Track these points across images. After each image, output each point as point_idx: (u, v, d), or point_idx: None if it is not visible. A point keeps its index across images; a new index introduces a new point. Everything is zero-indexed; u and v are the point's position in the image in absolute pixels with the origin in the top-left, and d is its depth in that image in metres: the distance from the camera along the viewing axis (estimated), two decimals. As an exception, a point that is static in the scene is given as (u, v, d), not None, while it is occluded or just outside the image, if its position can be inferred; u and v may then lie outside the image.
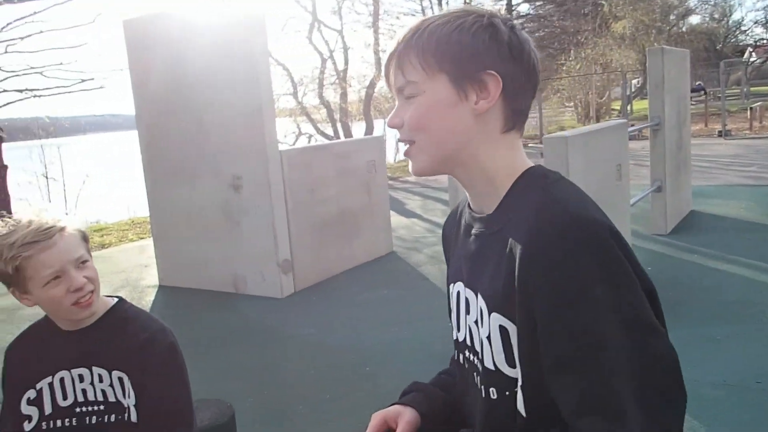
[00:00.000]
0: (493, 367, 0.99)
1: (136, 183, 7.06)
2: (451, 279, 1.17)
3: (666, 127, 6.48)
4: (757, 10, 58.88)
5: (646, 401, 0.80)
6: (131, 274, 6.79)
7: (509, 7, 28.89)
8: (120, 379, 1.47)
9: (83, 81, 12.72)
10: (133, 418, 1.45)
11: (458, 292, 1.12)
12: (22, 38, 12.16)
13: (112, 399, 1.47)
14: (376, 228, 6.73)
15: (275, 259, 5.43)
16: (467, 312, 1.07)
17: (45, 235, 1.35)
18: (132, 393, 1.46)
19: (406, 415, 1.19)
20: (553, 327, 0.86)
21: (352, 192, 6.43)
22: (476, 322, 1.03)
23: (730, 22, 48.43)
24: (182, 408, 1.50)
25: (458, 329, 1.13)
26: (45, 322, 1.55)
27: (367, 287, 5.68)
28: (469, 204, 1.11)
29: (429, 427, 1.19)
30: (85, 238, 1.46)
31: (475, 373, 1.06)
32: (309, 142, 18.61)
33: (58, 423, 1.47)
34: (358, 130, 19.13)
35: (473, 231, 1.07)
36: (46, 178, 14.60)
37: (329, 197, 6.10)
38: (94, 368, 1.46)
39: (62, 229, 1.40)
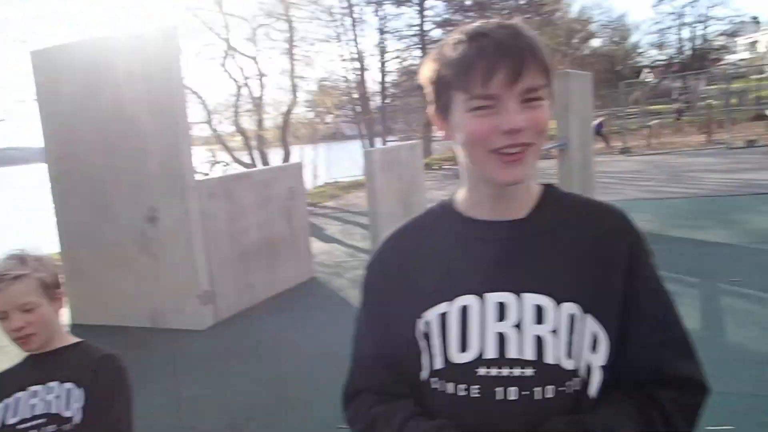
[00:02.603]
0: (554, 362, 0.97)
1: (46, 217, 6.76)
2: (442, 297, 1.04)
3: (572, 147, 6.86)
4: (652, 33, 63.18)
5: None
6: (41, 313, 6.47)
7: (422, 15, 29.62)
8: (68, 391, 1.60)
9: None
10: (67, 428, 1.56)
11: (465, 306, 1.02)
12: None
13: (53, 411, 1.58)
14: (297, 254, 6.74)
15: (195, 290, 5.34)
16: (500, 319, 1.00)
17: None
18: (74, 405, 1.58)
19: None
20: (652, 297, 1.03)
21: (273, 219, 6.42)
22: (519, 324, 0.99)
23: (628, 45, 51.75)
24: (121, 430, 1.62)
25: (465, 349, 1.01)
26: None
27: (290, 314, 5.67)
28: (469, 215, 1.08)
29: None
30: (44, 285, 1.64)
31: (504, 387, 0.98)
32: (225, 170, 18.35)
33: None
34: (275, 157, 19.05)
35: (502, 236, 1.04)
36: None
37: (250, 225, 6.07)
38: (48, 384, 1.62)
39: (16, 277, 1.59)
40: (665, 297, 1.05)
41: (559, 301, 0.99)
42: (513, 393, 0.97)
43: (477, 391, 0.99)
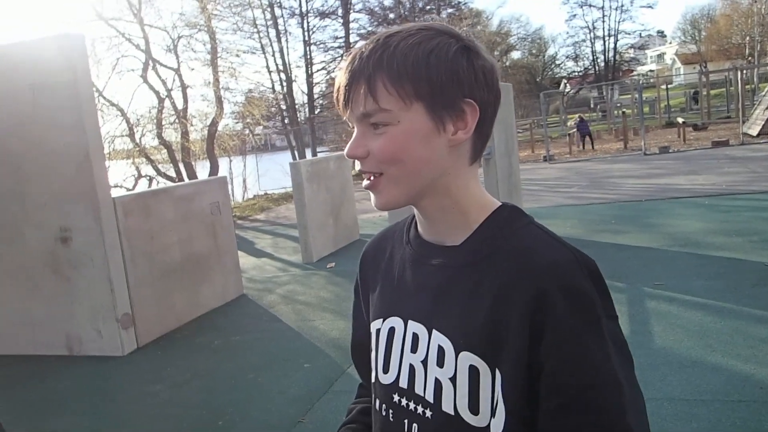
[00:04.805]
0: (452, 412, 0.88)
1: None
2: (381, 313, 1.03)
3: (496, 155, 6.94)
4: (567, 45, 65.93)
5: None
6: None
7: (347, 27, 29.81)
8: None
9: None
10: None
11: (392, 328, 0.99)
12: None
13: None
14: (224, 271, 6.49)
15: (113, 313, 5.03)
16: (413, 350, 0.95)
17: None
18: None
19: None
20: (567, 365, 0.80)
21: (197, 236, 6.16)
22: (425, 361, 0.92)
23: (546, 57, 53.76)
24: None
25: (387, 370, 0.99)
26: None
27: (218, 334, 5.43)
28: (418, 232, 1.00)
29: None
30: None
31: (409, 420, 0.94)
32: (150, 184, 17.72)
33: None
34: (202, 169, 18.56)
35: (433, 262, 0.95)
36: None
37: (171, 243, 5.79)
38: None
39: None
40: (591, 369, 0.80)
41: (457, 348, 0.88)
42: (415, 429, 0.94)
43: (392, 416, 0.98)
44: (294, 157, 23.71)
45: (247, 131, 23.57)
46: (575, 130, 22.02)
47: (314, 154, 24.89)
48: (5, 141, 5.11)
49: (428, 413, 0.92)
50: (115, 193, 6.31)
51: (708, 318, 4.39)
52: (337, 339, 4.87)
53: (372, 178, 0.91)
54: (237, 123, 24.21)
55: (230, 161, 20.30)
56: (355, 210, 9.31)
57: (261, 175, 20.80)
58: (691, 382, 3.42)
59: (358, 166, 0.92)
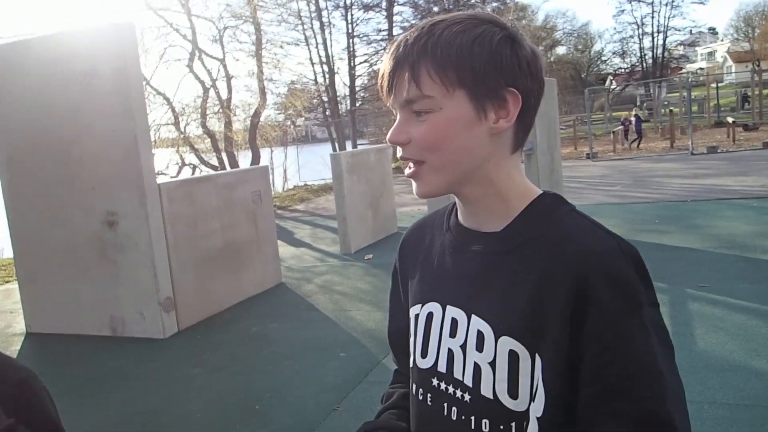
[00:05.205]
0: (491, 396, 0.90)
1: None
2: (420, 299, 1.04)
3: (538, 151, 6.86)
4: (614, 41, 64.70)
5: (685, 423, 0.82)
6: (-7, 322, 6.21)
7: (390, 20, 29.81)
8: None
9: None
10: None
11: (430, 313, 1.00)
12: None
13: None
14: (263, 259, 6.59)
15: (156, 297, 5.16)
16: (452, 335, 0.96)
17: None
18: None
19: None
20: (608, 353, 0.81)
21: (238, 223, 6.27)
22: (463, 346, 0.94)
23: (592, 52, 52.81)
24: None
25: (425, 355, 1.00)
26: None
27: (256, 321, 5.52)
28: (458, 219, 1.01)
29: None
30: None
31: (448, 404, 0.96)
32: (193, 172, 18.06)
33: None
34: (243, 159, 18.83)
35: (473, 248, 0.96)
36: None
37: (213, 230, 5.91)
38: None
39: None
40: (631, 357, 0.80)
41: (497, 332, 0.89)
42: (454, 413, 0.95)
43: (430, 400, 0.99)
44: (334, 149, 23.85)
45: (288, 122, 23.80)
46: (621, 126, 21.55)
47: (354, 146, 24.98)
48: (58, 126, 5.28)
49: (467, 397, 0.93)
50: (160, 179, 6.47)
51: (752, 322, 4.27)
52: (373, 330, 4.90)
53: (413, 166, 0.92)
54: (279, 114, 24.49)
55: (271, 152, 20.54)
56: (394, 202, 9.33)
57: (301, 166, 20.99)
58: (733, 386, 3.34)
59: (399, 152, 0.94)
